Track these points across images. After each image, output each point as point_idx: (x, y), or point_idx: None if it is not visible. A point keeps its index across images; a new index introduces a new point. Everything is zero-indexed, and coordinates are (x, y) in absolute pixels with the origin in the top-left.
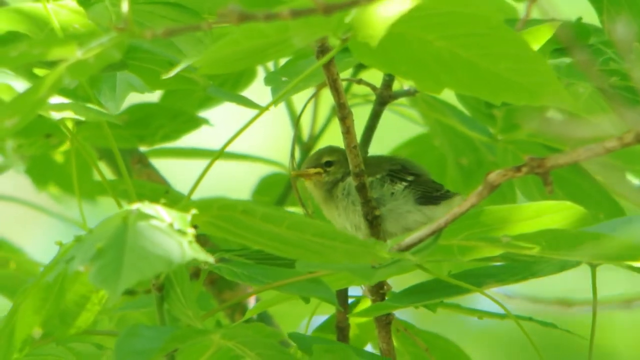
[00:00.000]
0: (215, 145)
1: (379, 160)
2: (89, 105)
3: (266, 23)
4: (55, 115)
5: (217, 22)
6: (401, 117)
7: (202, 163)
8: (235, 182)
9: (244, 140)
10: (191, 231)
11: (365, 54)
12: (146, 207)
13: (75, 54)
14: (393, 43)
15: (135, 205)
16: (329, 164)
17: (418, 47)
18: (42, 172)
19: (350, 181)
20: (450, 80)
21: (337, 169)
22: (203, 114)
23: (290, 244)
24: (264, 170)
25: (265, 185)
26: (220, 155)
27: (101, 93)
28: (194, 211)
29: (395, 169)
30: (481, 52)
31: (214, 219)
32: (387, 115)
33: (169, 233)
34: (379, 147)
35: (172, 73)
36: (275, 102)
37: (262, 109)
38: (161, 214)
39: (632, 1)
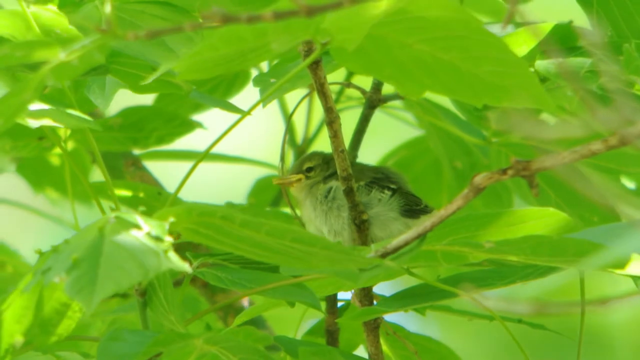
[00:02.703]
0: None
1: (363, 168)
2: (71, 111)
3: (245, 29)
4: (34, 123)
5: (201, 23)
6: (396, 120)
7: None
8: (230, 184)
9: (241, 143)
10: (168, 239)
11: (347, 58)
12: (124, 215)
13: (58, 56)
14: (374, 47)
15: (113, 214)
16: (309, 169)
17: (399, 50)
18: (38, 175)
19: (337, 185)
20: (432, 83)
21: (317, 173)
22: (197, 117)
23: (270, 250)
24: (259, 172)
25: (259, 188)
26: (205, 158)
27: (90, 91)
28: (172, 219)
29: (379, 177)
30: (462, 55)
31: (195, 226)
32: (381, 117)
33: (146, 243)
34: (373, 150)
35: (151, 78)
36: (261, 103)
37: (245, 113)
38: (139, 222)
39: (621, 3)
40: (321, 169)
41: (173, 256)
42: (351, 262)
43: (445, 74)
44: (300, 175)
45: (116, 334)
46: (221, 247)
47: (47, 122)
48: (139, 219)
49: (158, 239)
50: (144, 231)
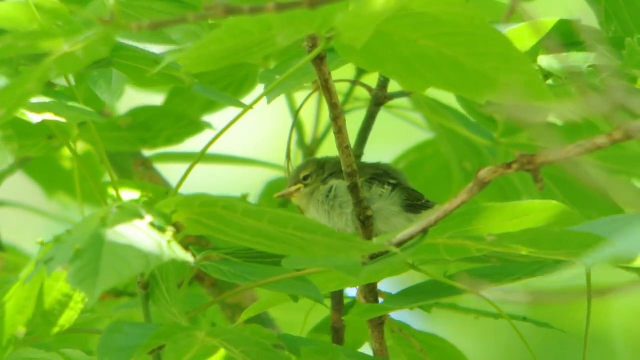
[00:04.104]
0: (219, 149)
1: (362, 165)
2: (74, 104)
3: (251, 22)
4: (36, 118)
5: (204, 15)
6: (404, 122)
7: (205, 167)
8: (241, 187)
9: (252, 145)
10: (171, 229)
11: (350, 52)
12: (126, 205)
13: (62, 47)
14: (378, 42)
15: (115, 205)
16: (306, 177)
17: (403, 45)
18: (51, 180)
19: (337, 184)
20: (436, 79)
21: (314, 179)
22: (207, 118)
23: (272, 239)
24: (270, 174)
25: (271, 190)
26: (216, 160)
27: (97, 85)
28: (173, 209)
29: (379, 173)
30: (466, 51)
31: (197, 216)
32: (390, 119)
33: (148, 233)
34: (382, 152)
35: (155, 70)
36: (266, 100)
37: (247, 107)
38: (141, 212)
39: (629, 1)
40: (317, 174)
41: (175, 246)
42: (353, 249)
43: (449, 70)
44: (299, 185)
45: (117, 326)
46: (224, 237)
47: (49, 116)
48: (141, 209)
49: (160, 229)
50: (146, 221)
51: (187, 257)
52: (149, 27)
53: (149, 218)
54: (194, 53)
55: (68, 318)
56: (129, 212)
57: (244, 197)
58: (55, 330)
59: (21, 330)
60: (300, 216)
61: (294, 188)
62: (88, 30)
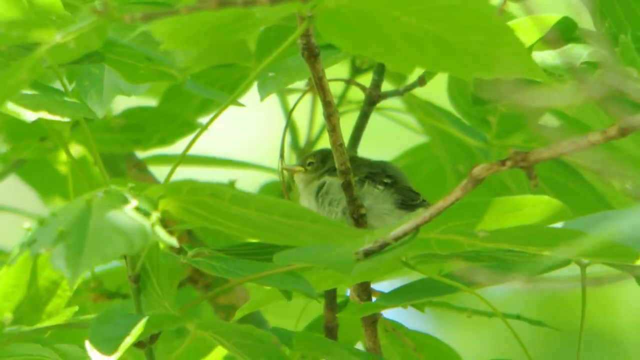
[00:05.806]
0: (212, 151)
1: (360, 163)
2: (67, 99)
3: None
4: (31, 116)
5: (196, 8)
6: (398, 125)
7: (198, 170)
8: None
9: (247, 148)
10: (156, 213)
11: (335, 34)
12: (113, 190)
13: (55, 37)
14: (360, 22)
15: (101, 190)
16: (310, 164)
17: (386, 25)
18: (47, 185)
19: (330, 181)
20: (421, 58)
21: (314, 169)
22: (201, 120)
23: (259, 227)
24: (264, 177)
25: (264, 193)
26: (210, 163)
27: (88, 96)
28: (161, 194)
29: (375, 172)
30: (447, 25)
31: (185, 204)
32: (383, 122)
33: (133, 216)
34: (374, 154)
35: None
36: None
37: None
38: (127, 197)
39: (624, 1)
40: (317, 166)
41: (160, 230)
42: (340, 236)
43: (433, 48)
44: (301, 168)
45: (107, 316)
46: (212, 225)
47: (44, 114)
48: (127, 194)
49: (146, 213)
50: (132, 205)
51: (171, 241)
52: (142, 19)
53: (134, 202)
54: (171, 24)
55: (55, 305)
56: (115, 197)
57: (231, 184)
58: (43, 317)
59: (8, 317)
60: (287, 202)
61: (297, 168)
62: (81, 21)
